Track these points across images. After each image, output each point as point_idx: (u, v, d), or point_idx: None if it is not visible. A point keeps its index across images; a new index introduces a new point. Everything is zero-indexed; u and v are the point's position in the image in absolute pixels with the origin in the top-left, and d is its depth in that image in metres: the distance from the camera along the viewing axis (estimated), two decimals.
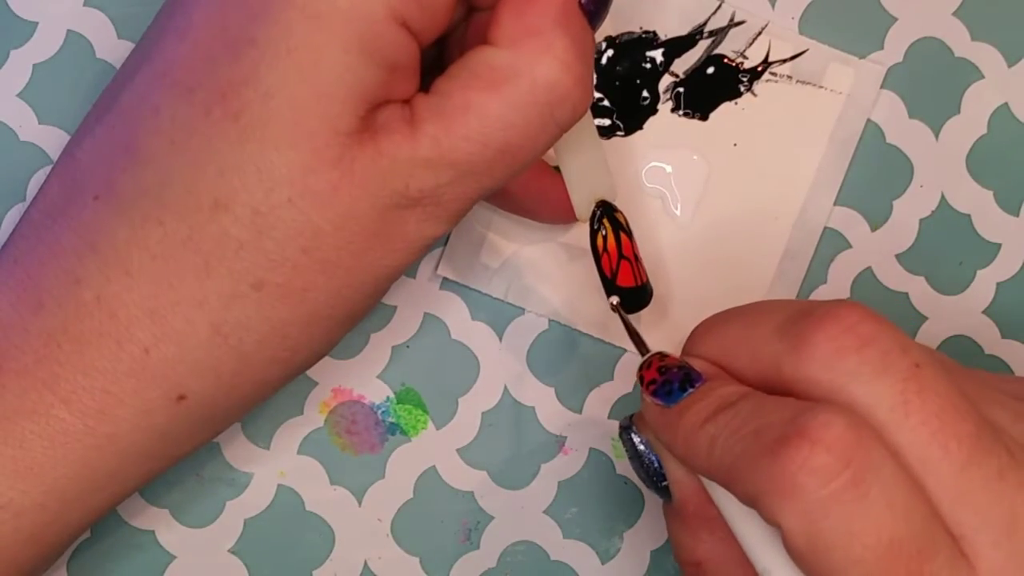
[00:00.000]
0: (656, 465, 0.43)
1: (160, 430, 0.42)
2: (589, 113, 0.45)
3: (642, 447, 0.44)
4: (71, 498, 0.42)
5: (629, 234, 0.47)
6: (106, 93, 0.44)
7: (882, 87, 0.54)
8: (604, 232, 0.47)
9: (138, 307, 0.41)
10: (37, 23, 0.53)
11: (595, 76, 0.54)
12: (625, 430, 0.44)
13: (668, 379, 0.42)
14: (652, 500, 0.54)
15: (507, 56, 0.40)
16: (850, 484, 0.36)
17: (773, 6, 0.54)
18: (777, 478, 0.36)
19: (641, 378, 0.43)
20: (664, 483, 0.43)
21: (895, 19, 0.55)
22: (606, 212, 0.47)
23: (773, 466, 0.36)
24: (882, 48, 0.55)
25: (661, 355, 0.43)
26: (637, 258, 0.47)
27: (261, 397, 0.44)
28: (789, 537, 0.36)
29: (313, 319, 0.42)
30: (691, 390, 0.41)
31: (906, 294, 0.54)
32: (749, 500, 0.37)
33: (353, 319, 0.44)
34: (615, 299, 0.47)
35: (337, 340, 0.44)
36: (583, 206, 0.47)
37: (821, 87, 0.54)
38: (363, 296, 0.42)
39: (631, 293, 0.47)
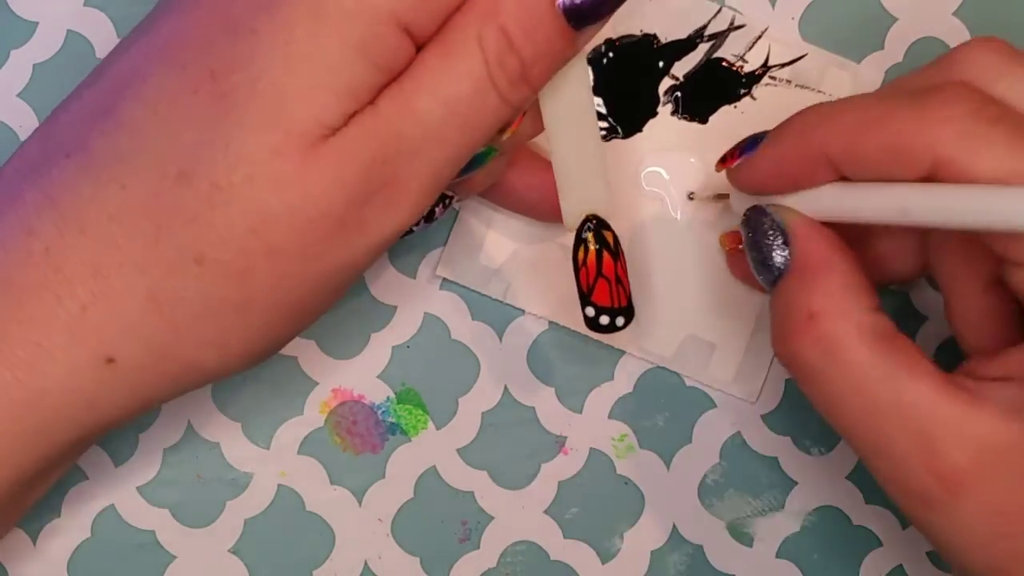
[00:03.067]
0: (782, 236, 0.45)
1: (88, 393, 0.41)
2: (592, 121, 0.45)
3: (767, 220, 0.45)
4: (1, 454, 0.42)
5: (614, 255, 0.46)
6: (102, 63, 0.44)
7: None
8: (587, 246, 0.46)
9: (84, 265, 0.40)
10: (37, 23, 0.53)
11: (593, 77, 0.54)
12: (752, 211, 0.46)
13: (750, 137, 0.47)
14: (652, 500, 0.54)
15: (459, 15, 0.41)
16: (1000, 114, 0.40)
17: (773, 6, 0.54)
18: (931, 110, 0.40)
19: (723, 159, 0.48)
20: (786, 254, 0.45)
21: (895, 19, 0.55)
22: (595, 227, 0.46)
23: (923, 103, 0.41)
24: (882, 48, 0.55)
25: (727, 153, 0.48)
26: (619, 280, 0.47)
27: (191, 382, 0.43)
28: (946, 166, 0.40)
29: (251, 304, 0.41)
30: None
31: (907, 294, 0.54)
32: (886, 148, 0.41)
33: (296, 315, 0.43)
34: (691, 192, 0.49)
35: (278, 337, 0.44)
36: (572, 216, 0.46)
37: (820, 92, 0.54)
38: (308, 290, 0.42)
39: (606, 312, 0.47)
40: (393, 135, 0.40)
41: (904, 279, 0.51)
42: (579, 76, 0.44)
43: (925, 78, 0.44)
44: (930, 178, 0.40)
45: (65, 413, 0.42)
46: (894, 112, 0.41)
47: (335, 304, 0.50)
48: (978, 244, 0.43)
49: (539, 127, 0.45)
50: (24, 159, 0.43)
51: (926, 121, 0.40)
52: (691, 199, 0.51)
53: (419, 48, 0.41)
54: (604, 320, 0.46)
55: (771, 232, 0.45)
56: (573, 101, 0.44)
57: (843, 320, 0.42)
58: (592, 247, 0.46)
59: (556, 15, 0.41)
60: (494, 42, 0.40)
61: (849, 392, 0.42)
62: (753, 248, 0.46)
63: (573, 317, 0.53)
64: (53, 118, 0.43)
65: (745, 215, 0.46)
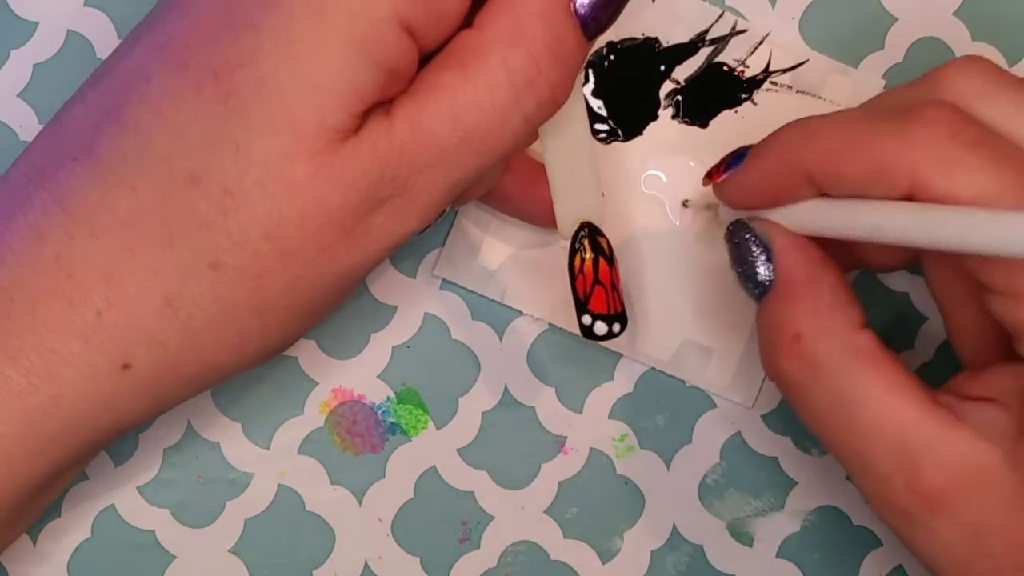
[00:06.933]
0: (765, 251, 0.45)
1: (104, 398, 0.42)
2: (584, 130, 0.45)
3: (750, 236, 0.45)
4: (17, 459, 0.42)
5: (609, 261, 0.46)
6: (105, 63, 0.44)
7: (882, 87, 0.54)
8: (583, 253, 0.46)
9: (96, 269, 0.40)
10: (37, 23, 0.53)
11: (594, 81, 0.54)
12: (735, 226, 0.46)
13: (735, 151, 0.47)
14: (652, 500, 0.54)
15: (481, 37, 0.41)
16: (979, 136, 0.40)
17: (773, 6, 0.54)
18: (912, 133, 0.40)
19: (710, 174, 0.47)
20: (770, 267, 0.45)
21: (895, 19, 0.55)
22: (589, 234, 0.46)
23: (904, 125, 0.40)
24: (882, 48, 0.55)
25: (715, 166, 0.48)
26: (614, 286, 0.47)
27: (207, 382, 0.44)
28: (925, 188, 0.40)
29: (265, 307, 0.41)
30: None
31: (907, 294, 0.54)
32: (867, 168, 0.41)
33: (311, 314, 0.43)
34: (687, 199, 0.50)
35: (293, 335, 0.44)
36: (566, 224, 0.46)
37: (820, 98, 0.54)
38: (321, 291, 0.42)
39: (602, 319, 0.46)
40: (406, 155, 0.40)
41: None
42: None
43: (909, 95, 0.44)
44: (908, 198, 0.40)
45: (81, 418, 0.42)
46: (875, 132, 0.41)
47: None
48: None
49: (534, 135, 0.45)
50: (30, 163, 0.43)
51: (906, 143, 0.40)
52: (686, 206, 0.52)
53: (421, 49, 0.41)
54: (600, 328, 0.46)
55: (754, 247, 0.45)
56: (566, 109, 0.44)
57: (827, 341, 0.43)
58: (588, 255, 0.46)
59: (576, 31, 0.41)
60: (522, 67, 0.40)
61: (833, 412, 0.43)
62: (737, 262, 0.46)
63: (571, 320, 0.53)
64: (57, 121, 0.43)
65: (729, 229, 0.47)
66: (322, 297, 0.42)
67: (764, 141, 0.45)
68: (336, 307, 0.44)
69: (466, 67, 0.40)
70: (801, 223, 0.44)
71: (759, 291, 0.45)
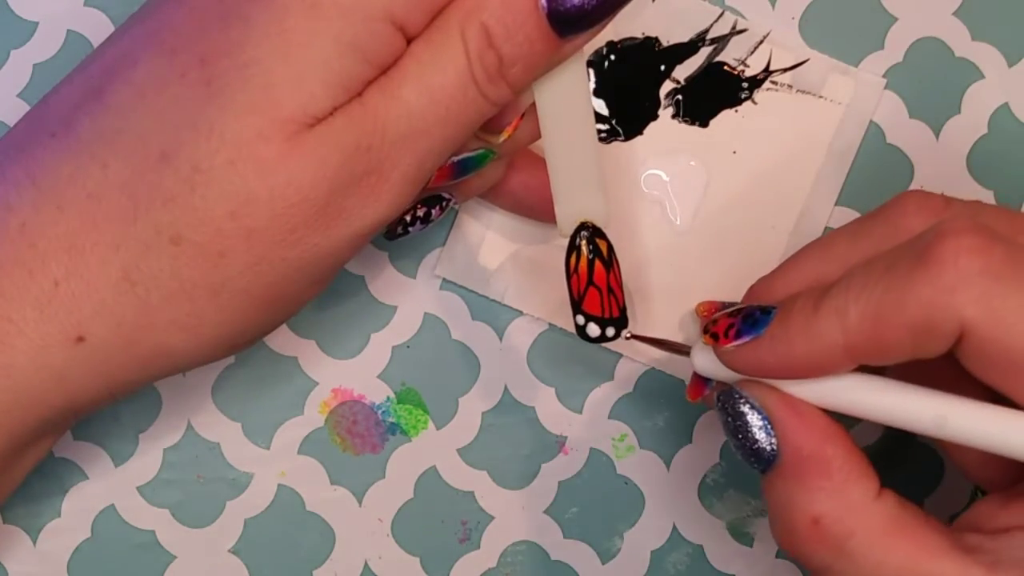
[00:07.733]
0: (764, 421, 0.42)
1: (56, 371, 0.41)
2: (590, 128, 0.45)
3: (746, 407, 0.42)
4: None
5: (607, 264, 0.46)
6: (96, 49, 0.44)
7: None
8: (578, 254, 0.45)
9: (60, 240, 0.41)
10: (37, 23, 0.53)
11: (594, 81, 0.54)
12: (725, 395, 0.43)
13: (747, 313, 0.43)
14: (652, 500, 0.54)
15: (445, 11, 0.41)
16: (1007, 256, 0.38)
17: (773, 6, 0.54)
18: (941, 277, 0.38)
19: (715, 335, 0.43)
20: (772, 442, 0.42)
21: (895, 19, 0.55)
22: (589, 235, 0.45)
23: (930, 271, 0.38)
24: (882, 48, 0.55)
25: (713, 321, 0.44)
26: (611, 290, 0.46)
27: (161, 367, 0.43)
28: (975, 330, 0.38)
29: (224, 288, 0.41)
30: (774, 311, 0.42)
31: None
32: (910, 329, 0.38)
33: (271, 303, 0.43)
34: (627, 332, 0.47)
35: (250, 325, 0.43)
36: (565, 222, 0.45)
37: (821, 97, 0.54)
38: (283, 277, 0.42)
39: (596, 321, 0.46)
40: (377, 122, 0.40)
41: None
42: (577, 81, 0.44)
43: (894, 229, 0.43)
44: (957, 348, 0.39)
45: (33, 392, 0.42)
46: (907, 289, 0.38)
47: (334, 303, 0.50)
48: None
49: (538, 132, 0.45)
50: (10, 139, 0.43)
51: (939, 289, 0.38)
52: (627, 338, 0.47)
53: (409, 40, 0.41)
54: (593, 330, 0.46)
55: (752, 418, 0.42)
56: (571, 106, 0.43)
57: (850, 521, 0.40)
58: (584, 255, 0.45)
59: (539, 19, 0.41)
60: (475, 37, 0.41)
61: None
62: (733, 434, 0.43)
63: (571, 320, 0.53)
64: (43, 100, 0.44)
65: (719, 398, 0.43)
66: (283, 284, 0.42)
67: (786, 313, 0.42)
68: (301, 303, 0.44)
69: (431, 37, 0.41)
70: (838, 403, 0.42)
71: (762, 467, 0.42)
